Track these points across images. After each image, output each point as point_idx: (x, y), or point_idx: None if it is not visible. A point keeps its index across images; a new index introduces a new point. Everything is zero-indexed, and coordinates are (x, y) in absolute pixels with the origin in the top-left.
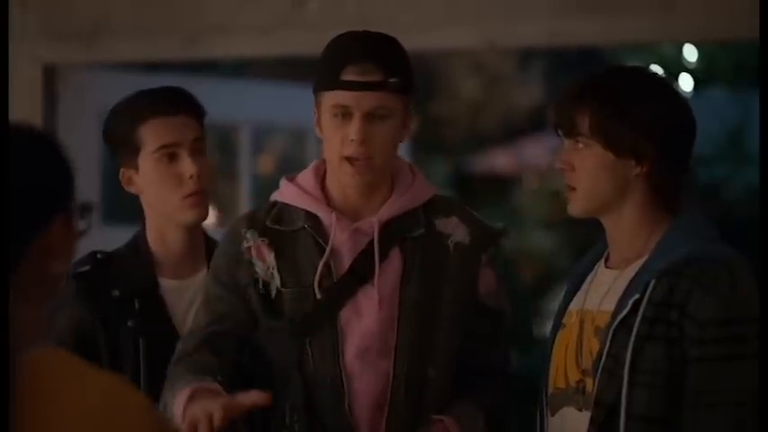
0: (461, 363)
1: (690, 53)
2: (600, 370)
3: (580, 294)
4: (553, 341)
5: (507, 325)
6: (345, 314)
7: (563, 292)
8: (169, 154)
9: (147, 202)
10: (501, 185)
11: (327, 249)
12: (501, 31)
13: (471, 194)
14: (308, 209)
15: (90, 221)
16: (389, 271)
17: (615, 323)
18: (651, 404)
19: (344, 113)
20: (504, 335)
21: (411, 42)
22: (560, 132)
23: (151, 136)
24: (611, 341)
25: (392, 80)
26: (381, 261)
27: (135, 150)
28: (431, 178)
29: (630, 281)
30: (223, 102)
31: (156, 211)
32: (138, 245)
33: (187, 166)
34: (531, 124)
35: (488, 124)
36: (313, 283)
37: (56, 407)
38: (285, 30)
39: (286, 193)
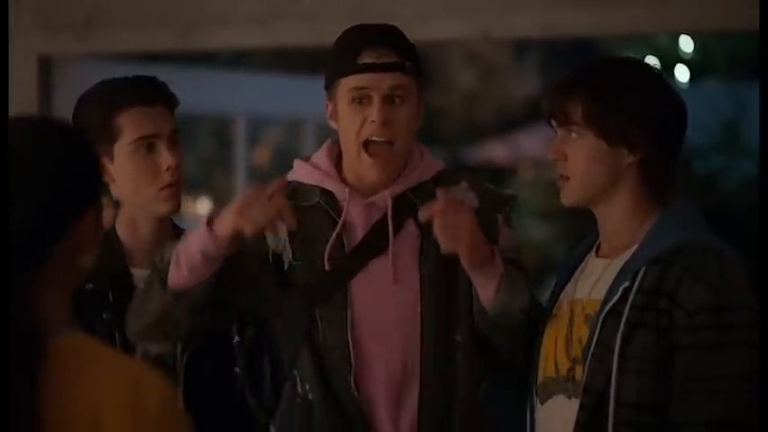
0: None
1: (686, 44)
2: (589, 357)
3: (570, 284)
4: (543, 331)
5: (530, 279)
6: (356, 285)
7: (553, 283)
8: (147, 145)
9: (119, 192)
10: (497, 176)
11: (340, 221)
12: (496, 23)
13: None
14: (322, 185)
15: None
16: (405, 243)
17: (605, 311)
18: (640, 391)
19: (363, 96)
20: (530, 286)
21: (406, 33)
22: (553, 123)
23: (129, 126)
24: (601, 329)
25: (408, 63)
26: (396, 233)
27: (110, 140)
28: None
29: (621, 269)
30: (219, 93)
31: (129, 201)
32: (109, 236)
33: (165, 157)
34: (527, 115)
35: (484, 115)
36: (323, 254)
37: (85, 391)
38: (281, 21)
39: (300, 171)
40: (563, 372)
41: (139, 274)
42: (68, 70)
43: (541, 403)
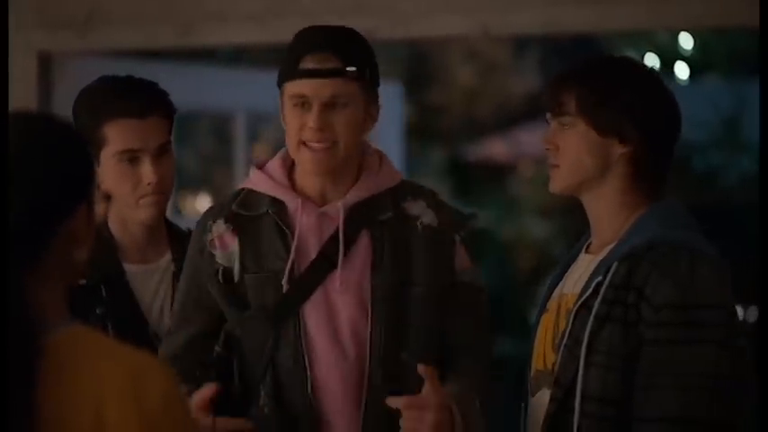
0: (447, 344)
1: (685, 41)
2: (561, 350)
3: (562, 280)
4: (536, 326)
5: (487, 304)
6: (312, 299)
7: (550, 279)
8: (130, 158)
9: (105, 193)
10: (497, 174)
11: (296, 235)
12: (497, 19)
13: (467, 183)
14: (274, 194)
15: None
16: (357, 255)
17: (577, 305)
18: (605, 385)
19: (304, 103)
20: (486, 314)
21: (407, 30)
22: (548, 116)
23: (114, 138)
24: (573, 322)
25: (350, 68)
26: (349, 246)
27: (98, 145)
28: (426, 167)
29: (597, 264)
30: (219, 90)
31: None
32: (101, 231)
33: (147, 173)
34: (527, 112)
35: (484, 112)
36: (275, 269)
37: (86, 383)
38: (280, 18)
39: (253, 179)
40: (549, 365)
41: (132, 269)
42: (68, 67)
43: (532, 396)
